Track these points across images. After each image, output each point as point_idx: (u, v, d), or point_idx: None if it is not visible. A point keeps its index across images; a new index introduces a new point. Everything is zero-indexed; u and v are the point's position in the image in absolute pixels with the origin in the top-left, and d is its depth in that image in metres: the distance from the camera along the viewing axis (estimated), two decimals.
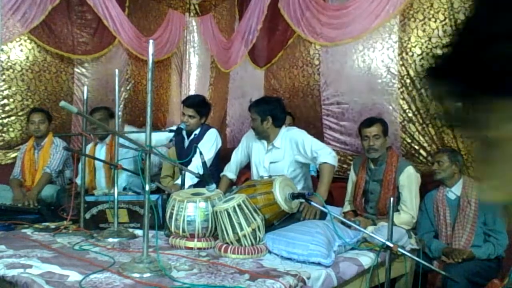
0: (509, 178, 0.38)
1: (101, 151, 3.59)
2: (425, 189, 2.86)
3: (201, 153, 2.32)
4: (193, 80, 5.83)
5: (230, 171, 3.21)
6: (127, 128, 3.31)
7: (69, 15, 4.49)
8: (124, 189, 3.43)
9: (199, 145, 2.86)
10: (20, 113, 4.19)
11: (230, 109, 5.14)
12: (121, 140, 2.67)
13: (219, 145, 3.34)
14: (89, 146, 3.63)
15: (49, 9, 4.23)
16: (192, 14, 5.73)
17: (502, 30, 0.34)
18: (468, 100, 0.39)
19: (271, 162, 2.98)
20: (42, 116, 3.65)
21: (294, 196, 2.36)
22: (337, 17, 3.93)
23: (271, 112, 2.93)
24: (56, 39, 4.39)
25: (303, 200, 2.41)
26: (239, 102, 4.93)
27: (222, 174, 3.22)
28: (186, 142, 3.36)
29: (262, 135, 3.01)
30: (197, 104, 3.31)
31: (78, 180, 3.21)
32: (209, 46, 5.52)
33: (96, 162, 3.55)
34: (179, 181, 2.79)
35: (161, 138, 3.43)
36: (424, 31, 3.39)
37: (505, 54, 0.33)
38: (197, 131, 3.31)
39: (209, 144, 3.23)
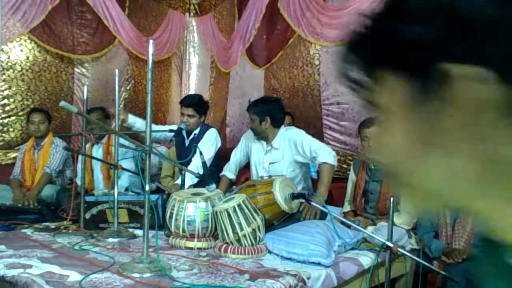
0: (386, 145, 0.43)
1: (98, 152, 3.58)
2: None
3: (201, 153, 2.32)
4: (193, 80, 5.83)
5: (229, 171, 3.21)
6: (130, 117, 3.32)
7: (69, 15, 4.49)
8: (126, 189, 3.43)
9: (199, 144, 2.86)
10: (20, 113, 4.19)
11: (230, 109, 5.14)
12: (121, 140, 2.66)
13: (219, 144, 3.35)
14: (86, 147, 3.62)
15: (49, 9, 4.23)
16: (192, 14, 5.73)
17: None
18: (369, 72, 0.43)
19: (270, 163, 2.99)
20: (42, 116, 3.65)
21: (294, 196, 2.36)
22: (337, 17, 3.93)
23: (270, 112, 2.93)
24: (56, 39, 4.39)
25: (303, 200, 2.41)
26: (239, 102, 4.93)
27: (221, 174, 3.22)
28: (186, 142, 3.36)
29: (261, 136, 3.01)
30: (196, 103, 3.32)
31: (78, 181, 3.21)
32: (209, 46, 5.52)
33: (93, 163, 3.54)
34: (179, 181, 2.79)
35: (165, 134, 3.46)
36: None
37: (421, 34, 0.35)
38: (196, 131, 3.32)
39: (209, 144, 3.23)
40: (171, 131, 3.35)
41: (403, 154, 0.41)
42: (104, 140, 3.59)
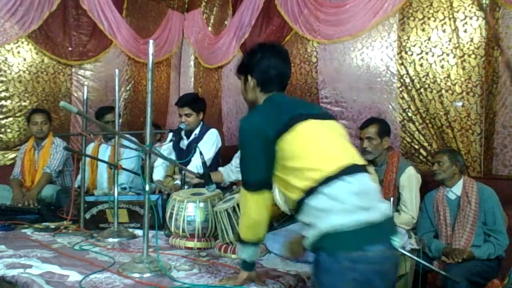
0: None
1: (106, 152, 3.57)
2: (425, 188, 2.86)
3: (201, 153, 2.32)
4: (190, 78, 5.79)
5: None
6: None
7: (66, 18, 4.48)
8: (124, 188, 3.41)
9: (199, 145, 2.85)
10: (17, 114, 4.19)
11: (225, 106, 5.10)
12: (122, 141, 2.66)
13: (219, 145, 3.33)
14: (92, 146, 3.61)
15: (46, 14, 4.23)
16: (182, 9, 5.69)
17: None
18: None
19: None
20: (44, 117, 3.64)
21: None
22: (335, 15, 3.92)
23: None
24: (53, 43, 4.38)
25: None
26: (234, 99, 4.91)
27: None
28: (185, 143, 3.35)
29: None
30: (191, 101, 3.30)
31: (78, 181, 3.21)
32: (189, 41, 5.50)
33: (99, 162, 3.53)
34: (179, 181, 2.78)
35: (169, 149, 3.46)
36: (423, 30, 3.39)
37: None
38: (197, 131, 3.30)
39: (209, 144, 3.22)
40: (171, 131, 3.34)
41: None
42: (113, 141, 3.57)
